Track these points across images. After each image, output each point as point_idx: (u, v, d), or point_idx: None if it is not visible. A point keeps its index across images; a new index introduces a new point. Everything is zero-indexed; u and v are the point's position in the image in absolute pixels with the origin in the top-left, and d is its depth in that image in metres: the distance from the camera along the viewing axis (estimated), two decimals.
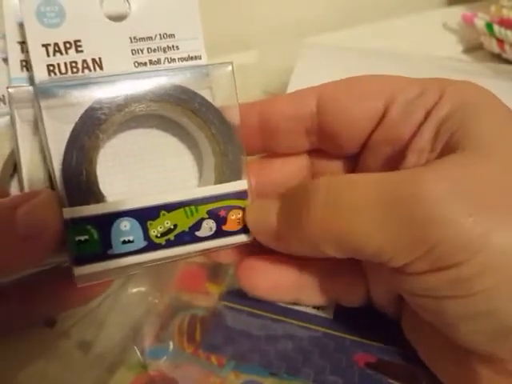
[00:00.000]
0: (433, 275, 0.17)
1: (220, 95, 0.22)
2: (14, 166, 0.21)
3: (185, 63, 0.22)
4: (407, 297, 0.20)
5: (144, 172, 0.22)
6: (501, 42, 0.44)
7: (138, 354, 0.22)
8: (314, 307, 0.24)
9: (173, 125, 0.22)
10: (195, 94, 0.21)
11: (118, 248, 0.19)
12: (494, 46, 0.45)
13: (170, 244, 0.20)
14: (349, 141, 0.22)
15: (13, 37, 0.20)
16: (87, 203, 0.19)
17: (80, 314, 0.24)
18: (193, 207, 0.21)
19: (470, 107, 0.19)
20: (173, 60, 0.22)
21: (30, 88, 0.19)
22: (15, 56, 0.20)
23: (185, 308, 0.25)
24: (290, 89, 0.38)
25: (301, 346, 0.23)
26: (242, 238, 0.22)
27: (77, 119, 0.19)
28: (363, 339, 0.23)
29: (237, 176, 0.22)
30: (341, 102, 0.22)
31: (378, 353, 0.22)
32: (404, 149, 0.21)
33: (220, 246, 0.22)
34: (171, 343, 0.23)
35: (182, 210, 0.20)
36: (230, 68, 0.22)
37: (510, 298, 0.16)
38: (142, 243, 0.20)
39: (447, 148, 0.19)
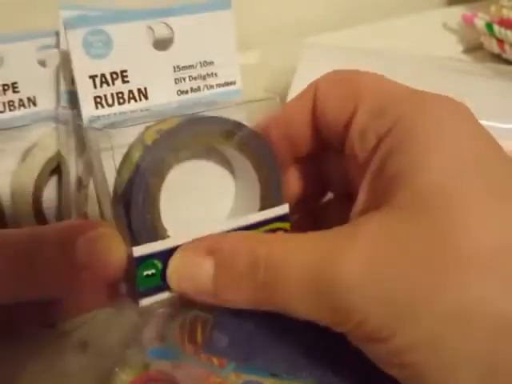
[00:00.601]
0: (370, 345, 0.18)
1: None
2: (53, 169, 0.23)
3: (222, 89, 0.23)
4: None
5: (194, 203, 0.22)
6: (501, 42, 0.44)
7: (139, 353, 0.22)
8: None
9: (216, 155, 0.22)
10: (241, 125, 0.21)
11: None
12: (494, 46, 0.45)
13: None
14: (334, 142, 0.22)
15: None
16: (155, 240, 0.19)
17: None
18: None
19: (420, 141, 0.18)
20: (211, 87, 0.22)
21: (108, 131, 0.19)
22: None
23: (187, 308, 0.25)
24: (293, 89, 0.38)
25: (302, 346, 0.23)
26: None
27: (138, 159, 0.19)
28: None
29: (279, 201, 0.22)
30: (326, 98, 0.22)
31: None
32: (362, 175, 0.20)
33: None
34: (172, 343, 0.23)
35: None
36: (277, 101, 0.22)
37: (439, 371, 0.16)
38: None
39: (384, 193, 0.18)
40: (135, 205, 0.19)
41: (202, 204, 0.22)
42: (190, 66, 0.22)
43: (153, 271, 0.19)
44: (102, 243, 0.18)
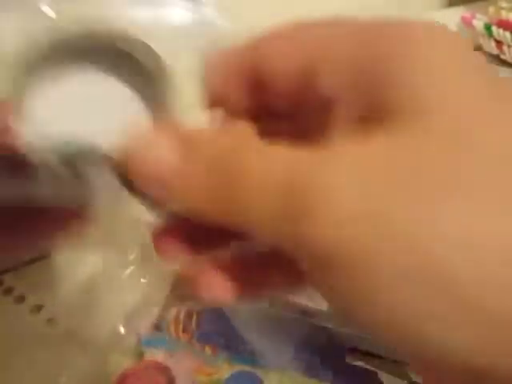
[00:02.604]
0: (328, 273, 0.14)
1: None
2: None
3: None
4: None
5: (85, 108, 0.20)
6: (499, 43, 0.44)
7: (134, 341, 0.23)
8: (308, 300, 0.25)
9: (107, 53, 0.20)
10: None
11: None
12: (493, 48, 0.45)
13: None
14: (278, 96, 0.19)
15: None
16: None
17: (68, 300, 0.24)
18: None
19: (411, 48, 0.15)
20: None
21: None
22: None
23: (183, 299, 0.25)
24: None
25: (293, 337, 0.23)
26: None
27: None
28: (354, 332, 0.23)
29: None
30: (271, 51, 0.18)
31: (368, 345, 0.23)
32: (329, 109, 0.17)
33: None
34: (167, 333, 0.23)
35: None
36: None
37: None
38: None
39: (373, 111, 0.15)
40: None
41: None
42: None
43: None
44: None
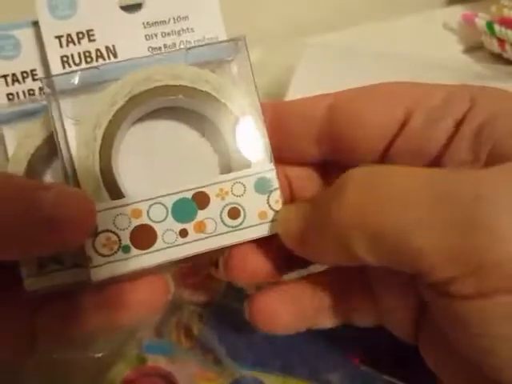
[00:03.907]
0: (484, 302, 0.14)
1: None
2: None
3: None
4: (444, 325, 0.16)
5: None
6: (502, 41, 0.44)
7: (135, 348, 0.23)
8: None
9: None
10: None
11: None
12: (495, 46, 0.45)
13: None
14: (364, 154, 0.21)
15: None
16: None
17: None
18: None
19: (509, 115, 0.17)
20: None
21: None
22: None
23: (184, 304, 0.25)
24: (292, 88, 0.38)
25: (295, 343, 0.23)
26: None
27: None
28: (357, 335, 0.23)
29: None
30: (356, 111, 0.20)
31: (372, 350, 0.23)
32: (433, 162, 0.19)
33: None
34: (169, 339, 0.23)
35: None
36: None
37: None
38: None
39: (495, 157, 0.17)
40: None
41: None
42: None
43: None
44: (67, 197, 0.17)
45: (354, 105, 0.20)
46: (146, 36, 0.21)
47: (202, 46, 0.21)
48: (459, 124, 0.18)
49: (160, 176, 0.20)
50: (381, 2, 0.48)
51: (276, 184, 0.20)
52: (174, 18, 0.21)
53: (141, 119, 0.21)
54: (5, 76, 0.21)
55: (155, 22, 0.21)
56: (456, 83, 0.39)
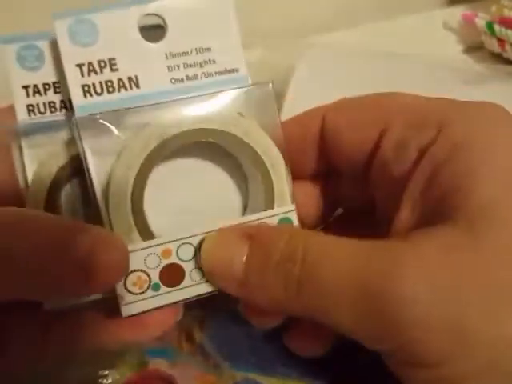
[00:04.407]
0: (411, 370, 0.16)
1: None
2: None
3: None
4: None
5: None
6: (502, 41, 0.44)
7: (137, 352, 0.22)
8: None
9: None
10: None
11: None
12: (495, 46, 0.45)
13: None
14: (349, 169, 0.22)
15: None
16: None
17: None
18: None
19: (472, 151, 0.17)
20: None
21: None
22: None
23: (185, 307, 0.25)
24: (292, 88, 0.38)
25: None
26: None
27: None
28: None
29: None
30: (339, 130, 0.21)
31: None
32: (400, 191, 0.19)
33: None
34: (170, 343, 0.23)
35: None
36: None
37: None
38: None
39: (440, 207, 0.17)
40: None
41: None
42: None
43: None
44: (104, 242, 0.17)
45: (338, 123, 0.21)
46: (168, 67, 0.21)
47: (230, 89, 0.21)
48: (421, 155, 0.18)
49: (186, 215, 0.21)
50: (381, 2, 0.48)
51: (296, 223, 0.21)
52: (196, 49, 0.21)
53: (169, 157, 0.21)
54: (26, 87, 0.20)
55: (178, 53, 0.21)
56: (456, 83, 0.38)
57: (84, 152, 0.19)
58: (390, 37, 0.44)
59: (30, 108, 0.20)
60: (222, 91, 0.21)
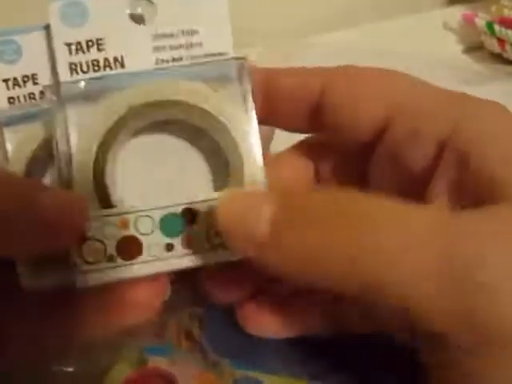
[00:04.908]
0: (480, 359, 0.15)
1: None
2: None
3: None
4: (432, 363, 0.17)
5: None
6: (502, 41, 0.44)
7: (136, 350, 0.23)
8: None
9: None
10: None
11: None
12: (495, 46, 0.45)
13: None
14: (351, 139, 0.21)
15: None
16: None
17: None
18: None
19: (499, 139, 0.17)
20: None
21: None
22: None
23: (184, 305, 0.25)
24: None
25: (297, 343, 0.23)
26: None
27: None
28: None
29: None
30: (342, 97, 0.20)
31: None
32: (409, 175, 0.19)
33: None
34: (169, 341, 0.23)
35: None
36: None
37: None
38: None
39: (485, 192, 0.17)
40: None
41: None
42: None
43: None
44: (69, 199, 0.17)
45: (340, 89, 0.20)
46: (154, 48, 0.21)
47: (203, 62, 0.21)
48: (442, 148, 0.18)
49: (153, 189, 0.21)
50: (381, 2, 0.48)
51: None
52: (183, 31, 0.21)
53: (140, 132, 0.21)
54: (6, 80, 0.21)
55: (164, 35, 0.21)
56: (456, 83, 0.38)
57: (54, 118, 0.19)
58: (390, 37, 0.44)
59: (11, 101, 0.21)
60: (196, 64, 0.21)
